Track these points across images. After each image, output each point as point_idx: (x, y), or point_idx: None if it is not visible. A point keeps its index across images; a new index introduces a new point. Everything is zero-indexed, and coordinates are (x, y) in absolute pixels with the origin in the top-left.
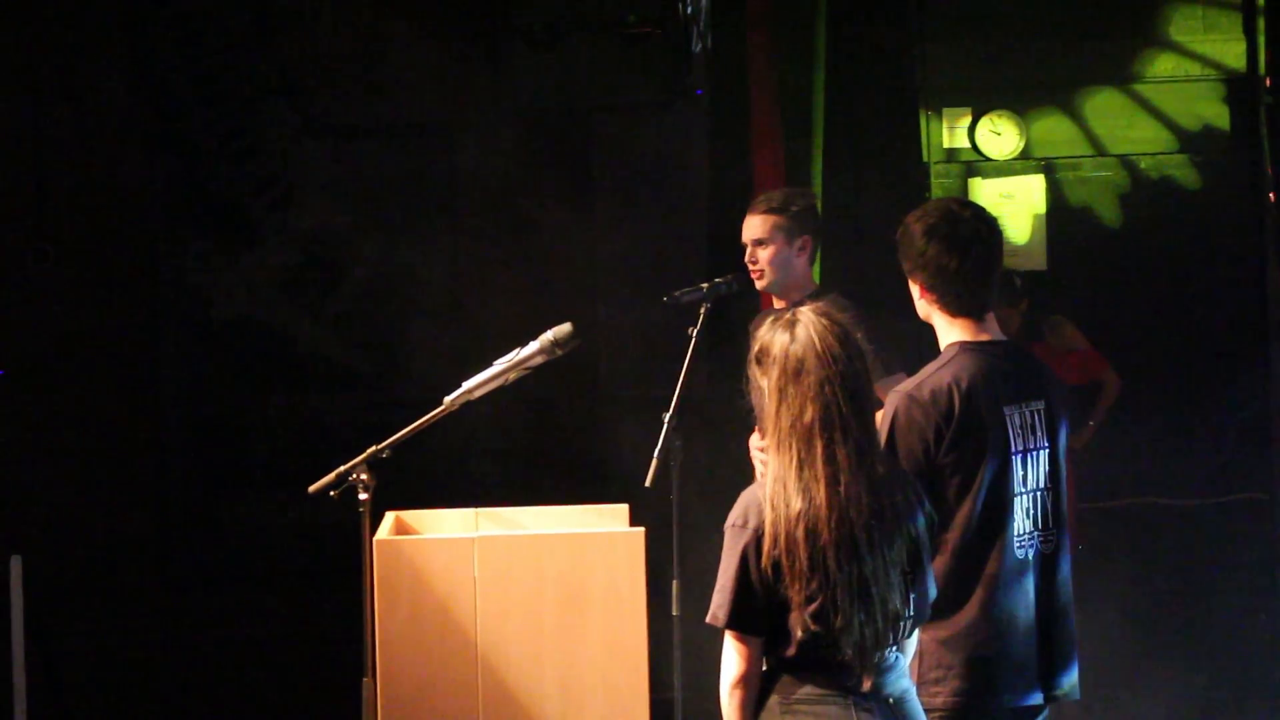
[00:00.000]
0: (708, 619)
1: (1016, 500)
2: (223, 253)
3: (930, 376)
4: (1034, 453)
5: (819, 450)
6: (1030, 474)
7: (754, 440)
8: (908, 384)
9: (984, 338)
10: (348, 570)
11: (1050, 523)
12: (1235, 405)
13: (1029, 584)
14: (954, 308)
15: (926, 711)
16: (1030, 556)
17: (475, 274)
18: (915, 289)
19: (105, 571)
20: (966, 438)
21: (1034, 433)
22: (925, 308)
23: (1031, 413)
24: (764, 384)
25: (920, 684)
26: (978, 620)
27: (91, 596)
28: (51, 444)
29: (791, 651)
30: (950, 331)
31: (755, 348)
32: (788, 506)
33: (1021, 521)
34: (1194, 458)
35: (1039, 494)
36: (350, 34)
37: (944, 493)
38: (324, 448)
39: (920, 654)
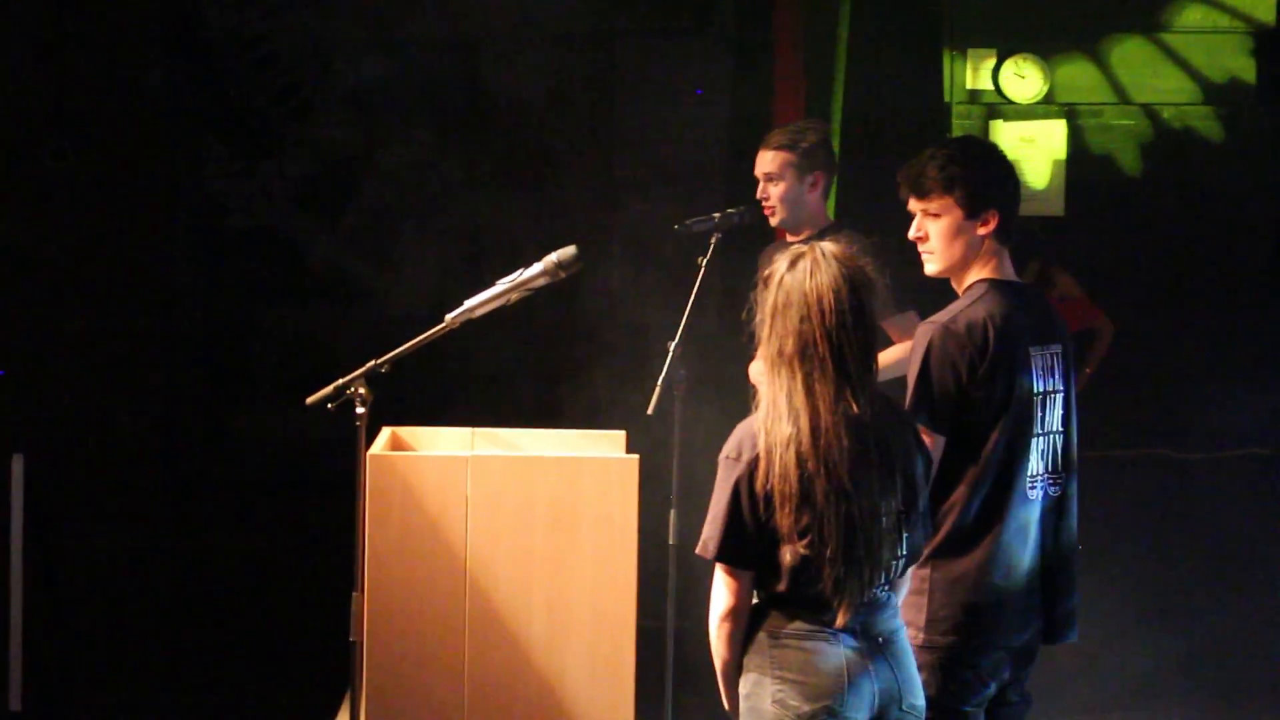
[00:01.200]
0: (697, 550)
1: (1034, 441)
2: (240, 159)
3: (964, 310)
4: (1051, 395)
5: (800, 380)
6: (1047, 416)
7: (754, 366)
8: (940, 316)
9: (1009, 277)
10: (345, 483)
11: (1060, 466)
12: (1249, 359)
13: (1037, 527)
14: (1003, 237)
15: (931, 649)
16: (1040, 499)
17: (488, 193)
18: (983, 221)
19: (106, 473)
20: (998, 373)
21: (1052, 375)
22: (975, 238)
23: (1050, 355)
24: (763, 310)
25: (929, 622)
26: (990, 559)
27: (92, 497)
28: (59, 343)
29: (782, 587)
30: (977, 267)
31: (765, 271)
32: (780, 430)
33: (1036, 462)
34: (1204, 411)
35: (1053, 436)
36: None
37: (971, 427)
38: (330, 360)
39: (930, 591)
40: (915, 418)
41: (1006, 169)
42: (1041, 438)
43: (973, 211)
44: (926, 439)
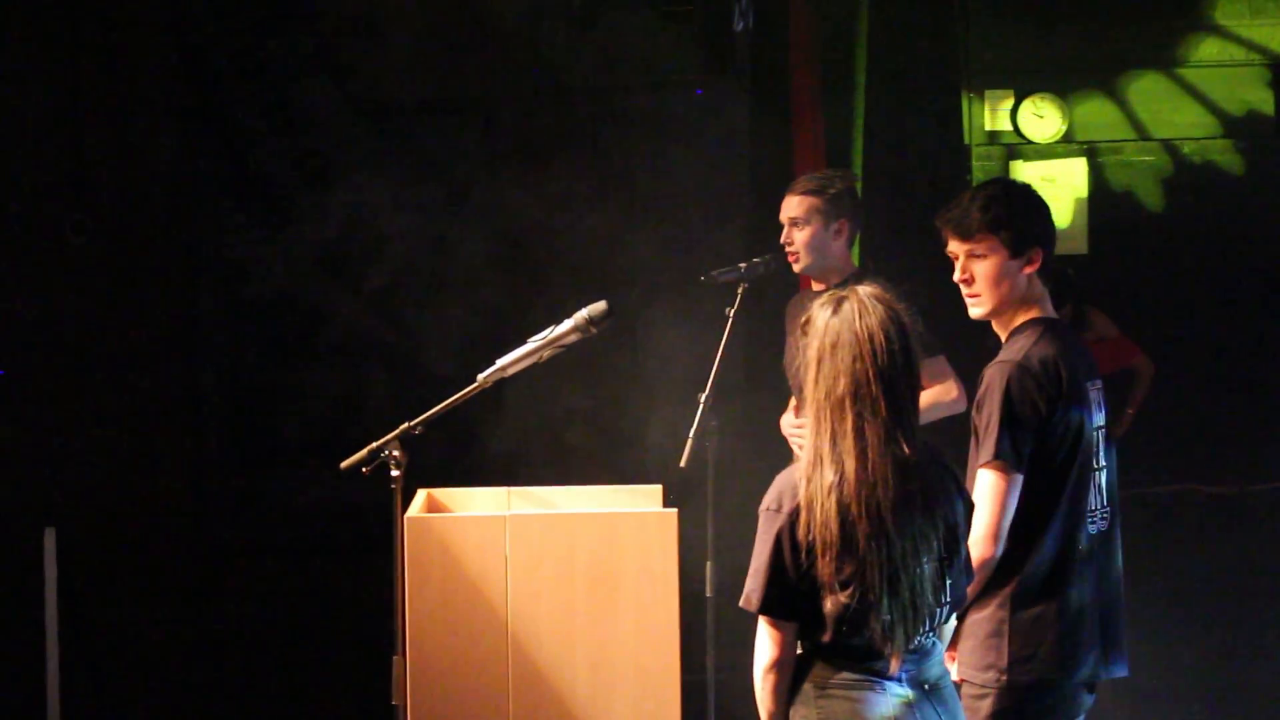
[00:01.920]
0: (741, 603)
1: (1094, 476)
2: (260, 227)
3: (1033, 347)
4: (1101, 430)
5: (850, 423)
6: (1100, 451)
7: (785, 419)
8: (1011, 355)
9: (1051, 315)
10: (379, 547)
11: (1108, 500)
12: (1276, 392)
13: (1094, 560)
14: (1046, 276)
15: (1013, 689)
16: (1095, 533)
17: (512, 251)
18: (1029, 260)
19: (138, 545)
20: (1072, 409)
21: (1101, 410)
22: (1023, 280)
23: (1098, 390)
24: (806, 355)
25: (1012, 663)
26: (1066, 597)
27: (124, 570)
28: (87, 416)
29: (827, 637)
30: (1029, 308)
31: (803, 318)
32: (822, 478)
33: (1094, 498)
34: (1234, 444)
35: (1104, 471)
36: (389, 9)
37: (1050, 464)
38: (358, 424)
39: (1009, 633)
40: (996, 458)
41: (1046, 208)
42: (1097, 473)
43: (1017, 250)
44: (1001, 479)
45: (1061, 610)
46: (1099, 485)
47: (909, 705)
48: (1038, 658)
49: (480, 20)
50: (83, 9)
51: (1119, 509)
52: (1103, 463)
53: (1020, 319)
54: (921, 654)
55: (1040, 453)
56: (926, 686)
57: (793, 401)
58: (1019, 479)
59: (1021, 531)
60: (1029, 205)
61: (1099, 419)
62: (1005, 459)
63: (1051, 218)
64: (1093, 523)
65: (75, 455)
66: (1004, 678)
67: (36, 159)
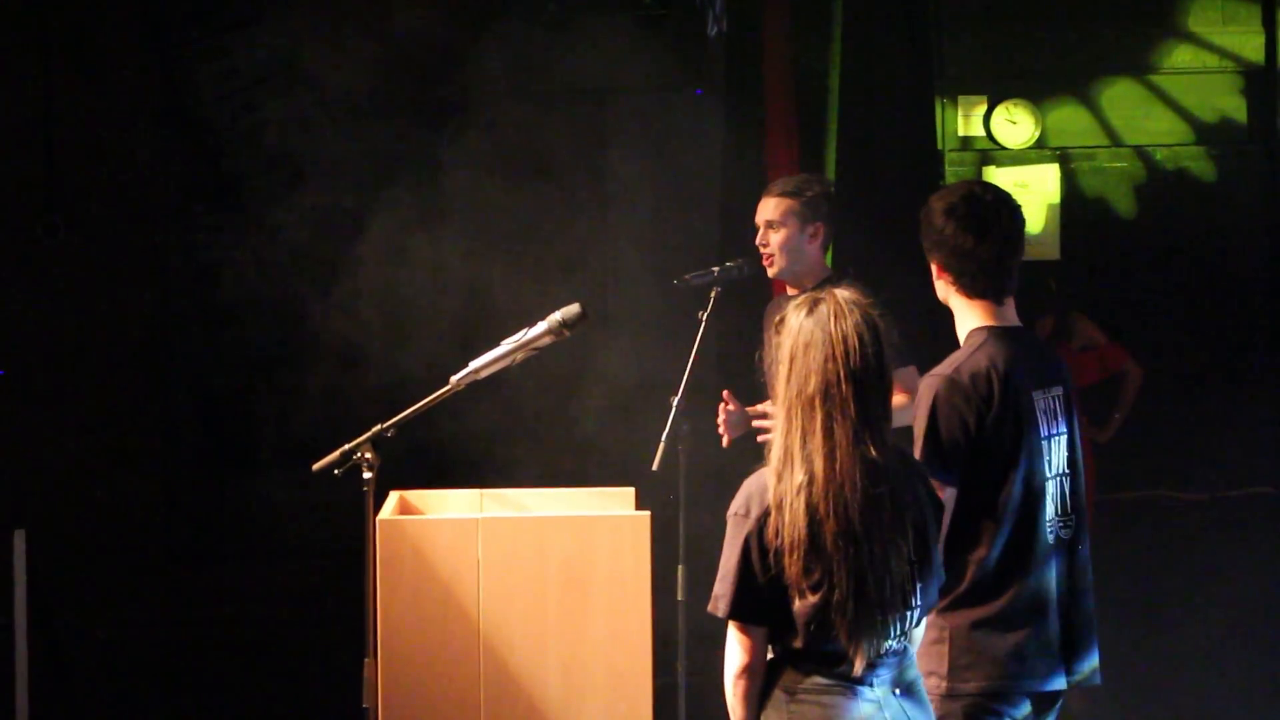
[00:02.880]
0: (709, 608)
1: (1046, 485)
2: (233, 230)
3: (967, 360)
4: (1056, 438)
5: (819, 422)
6: (1055, 459)
7: (756, 410)
8: (943, 368)
9: (1005, 323)
10: (352, 549)
11: (1070, 508)
12: (1248, 398)
13: (1054, 569)
14: (970, 289)
15: (955, 698)
16: (1053, 542)
17: (485, 255)
18: (934, 269)
19: (109, 547)
20: (1005, 421)
21: (1055, 418)
22: (943, 288)
23: (1053, 398)
24: (779, 354)
25: (950, 670)
26: (1012, 605)
27: (95, 572)
28: (58, 419)
29: (797, 642)
30: (969, 315)
31: (778, 318)
32: (791, 477)
33: (1049, 506)
34: (1206, 451)
35: (1060, 479)
36: (362, 12)
37: (984, 477)
38: (330, 426)
39: (950, 639)
40: (926, 471)
41: (949, 222)
42: (1050, 481)
43: (929, 259)
44: (938, 492)
45: (1006, 619)
46: (1056, 494)
47: (880, 709)
48: (978, 666)
49: (454, 23)
50: (54, 10)
51: (1085, 516)
52: (1062, 470)
53: (970, 325)
54: (892, 657)
55: (974, 466)
56: (898, 690)
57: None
58: (951, 492)
59: (962, 542)
60: (926, 220)
61: (1053, 427)
62: (934, 474)
63: (965, 230)
64: (1051, 532)
65: (46, 457)
66: (944, 684)
67: (7, 160)
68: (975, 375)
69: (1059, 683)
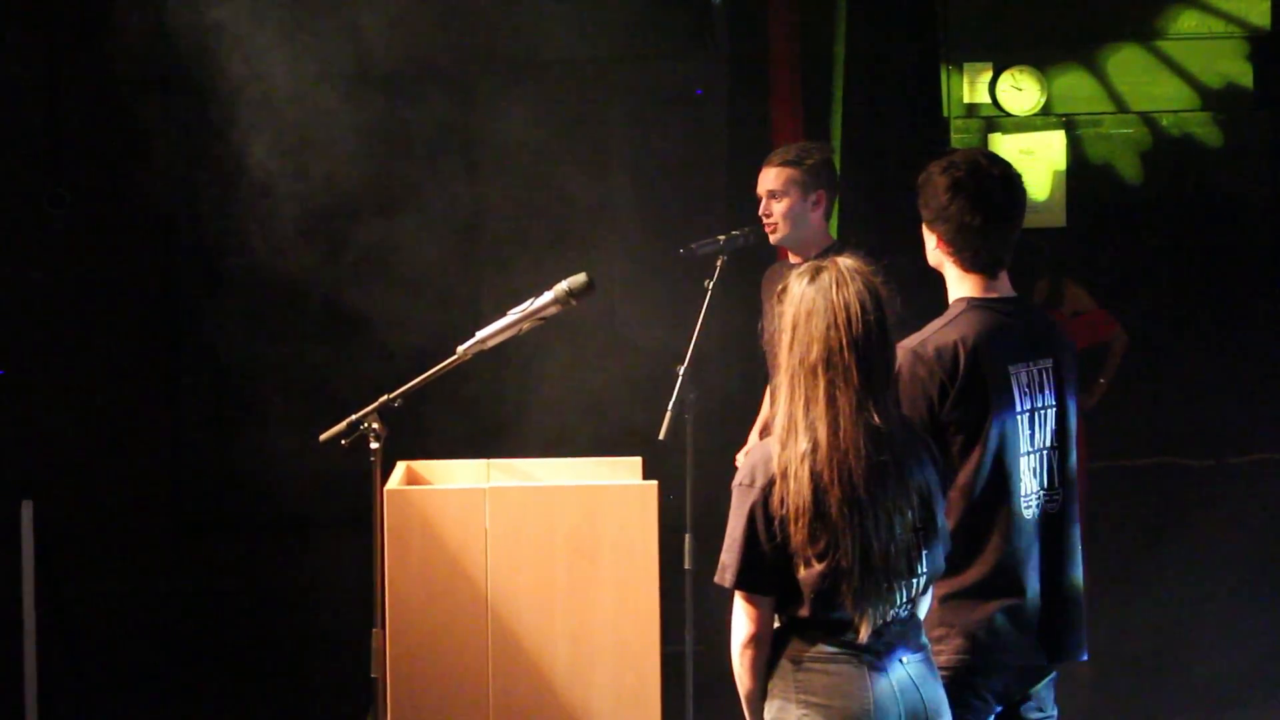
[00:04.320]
0: (715, 579)
1: (1024, 459)
2: (238, 200)
3: (936, 333)
4: (1041, 411)
5: (822, 390)
6: (1037, 433)
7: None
8: (912, 340)
9: (993, 294)
10: (359, 520)
11: (1057, 482)
12: (1254, 364)
13: (1035, 544)
14: (969, 263)
15: None
16: (1036, 516)
17: (493, 223)
18: (932, 238)
19: (116, 517)
20: (971, 395)
21: (1042, 391)
22: (938, 257)
23: (1040, 371)
24: (781, 322)
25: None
26: (983, 579)
27: (102, 542)
28: (64, 390)
29: (803, 611)
30: (960, 285)
31: (780, 287)
32: (795, 446)
33: (1028, 480)
34: (1211, 417)
35: (1045, 453)
36: None
37: (948, 450)
38: (338, 396)
39: (927, 614)
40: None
41: (947, 189)
42: (1033, 455)
43: (928, 227)
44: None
45: (977, 592)
46: (1035, 468)
47: (886, 677)
48: (949, 639)
49: None
50: None
51: (1074, 489)
52: (1048, 444)
53: (955, 293)
54: (898, 626)
55: (939, 438)
56: (904, 659)
57: (753, 436)
58: None
59: None
60: (925, 186)
61: (1037, 400)
62: None
63: (963, 199)
64: (1028, 506)
65: (53, 428)
66: None
67: (12, 133)
68: (941, 349)
69: (1037, 659)
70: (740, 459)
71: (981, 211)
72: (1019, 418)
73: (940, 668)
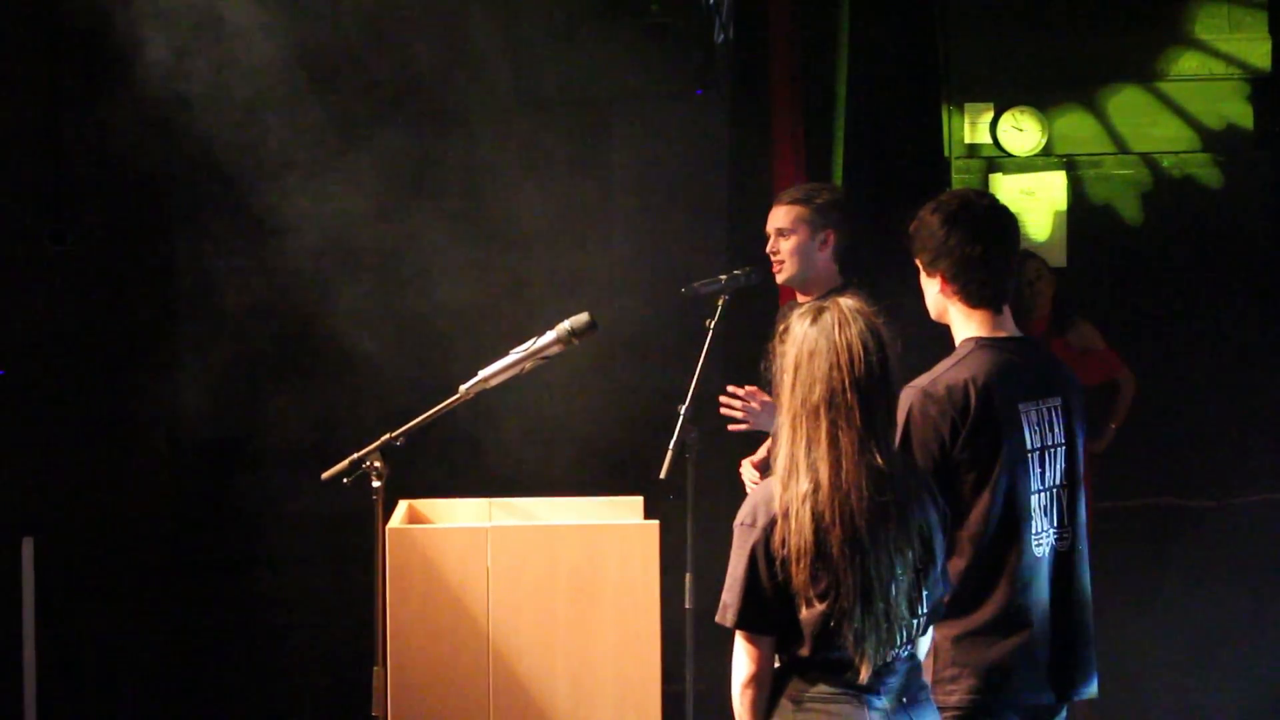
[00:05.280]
0: (717, 618)
1: (1034, 498)
2: (239, 237)
3: (946, 372)
4: (1051, 450)
5: (824, 431)
6: (1047, 471)
7: (746, 463)
8: (923, 379)
9: (1000, 334)
10: (361, 558)
11: (1067, 520)
12: (1254, 405)
13: (1045, 582)
14: (975, 299)
15: (941, 710)
16: (1047, 554)
17: (494, 263)
18: (934, 282)
19: (117, 555)
20: (982, 435)
21: (1051, 430)
22: (942, 302)
23: (1049, 409)
24: (784, 362)
25: (935, 682)
26: (994, 618)
27: (103, 580)
28: (66, 427)
29: (804, 651)
30: (967, 325)
31: (782, 327)
32: (797, 486)
33: (1039, 519)
34: (1212, 458)
35: (1055, 491)
36: (369, 21)
37: (960, 490)
38: (340, 435)
39: (934, 652)
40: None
41: (943, 225)
42: (1043, 493)
43: (928, 271)
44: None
45: (989, 631)
46: (1046, 506)
47: (887, 717)
48: (961, 679)
49: (460, 30)
50: (61, 17)
51: (1083, 527)
52: (1058, 482)
53: (962, 334)
54: (898, 666)
55: (949, 480)
56: (905, 699)
57: (763, 449)
58: None
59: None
60: (924, 224)
61: (1048, 438)
62: None
63: (966, 236)
64: (1040, 545)
65: (54, 464)
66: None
67: (14, 167)
68: (952, 388)
69: (1047, 698)
70: (745, 466)
71: (982, 240)
72: (1029, 456)
73: (952, 707)
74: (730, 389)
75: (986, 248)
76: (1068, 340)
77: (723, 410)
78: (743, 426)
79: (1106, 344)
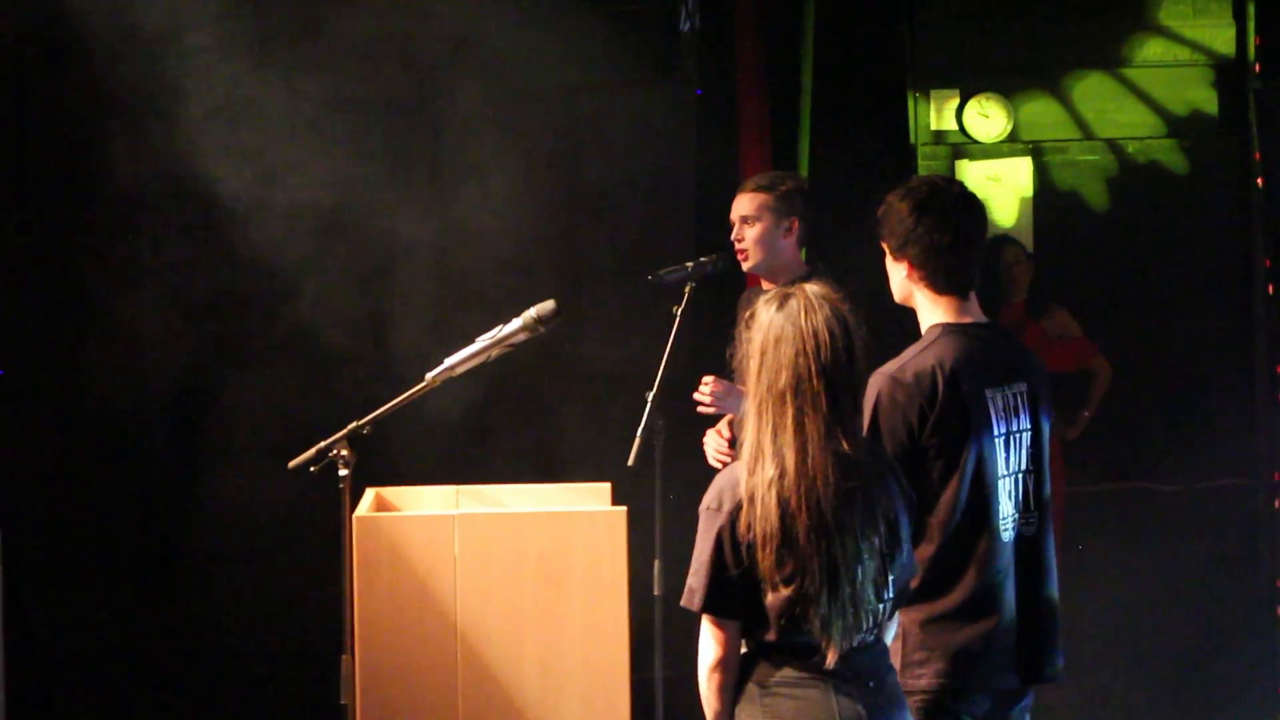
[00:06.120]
0: (683, 602)
1: (1001, 482)
2: (204, 226)
3: (913, 359)
4: (1016, 435)
5: (790, 417)
6: (1012, 456)
7: (711, 432)
8: (890, 366)
9: (966, 319)
10: (328, 546)
11: (1032, 505)
12: (1220, 390)
13: (1011, 567)
14: (941, 285)
15: (909, 694)
16: (1012, 539)
17: (459, 250)
18: (901, 268)
19: (85, 545)
20: (949, 420)
21: (1016, 415)
22: (908, 287)
23: (1014, 395)
24: (749, 348)
25: (903, 666)
26: (962, 603)
27: (70, 572)
28: (31, 418)
29: (770, 635)
30: (933, 312)
31: (748, 313)
32: (763, 472)
33: (1004, 504)
34: (1179, 443)
35: (1020, 476)
36: (334, 8)
37: (928, 475)
38: (306, 423)
39: (903, 636)
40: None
41: (911, 212)
42: (1008, 479)
43: (895, 256)
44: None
45: (957, 615)
46: (1011, 491)
47: (853, 701)
48: (930, 662)
49: (422, 18)
50: (28, 9)
51: (1049, 512)
52: (1023, 467)
53: (929, 320)
54: (865, 650)
55: (918, 464)
56: (871, 684)
57: (724, 421)
58: None
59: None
60: (892, 211)
61: (1013, 424)
62: None
63: (934, 224)
64: (1006, 529)
65: (20, 456)
66: (899, 681)
67: None
68: (920, 374)
69: (1013, 681)
70: (709, 438)
71: (949, 229)
72: (996, 441)
73: (921, 691)
74: (701, 383)
75: (954, 236)
76: (1043, 326)
77: (696, 397)
78: (711, 410)
79: (1081, 333)
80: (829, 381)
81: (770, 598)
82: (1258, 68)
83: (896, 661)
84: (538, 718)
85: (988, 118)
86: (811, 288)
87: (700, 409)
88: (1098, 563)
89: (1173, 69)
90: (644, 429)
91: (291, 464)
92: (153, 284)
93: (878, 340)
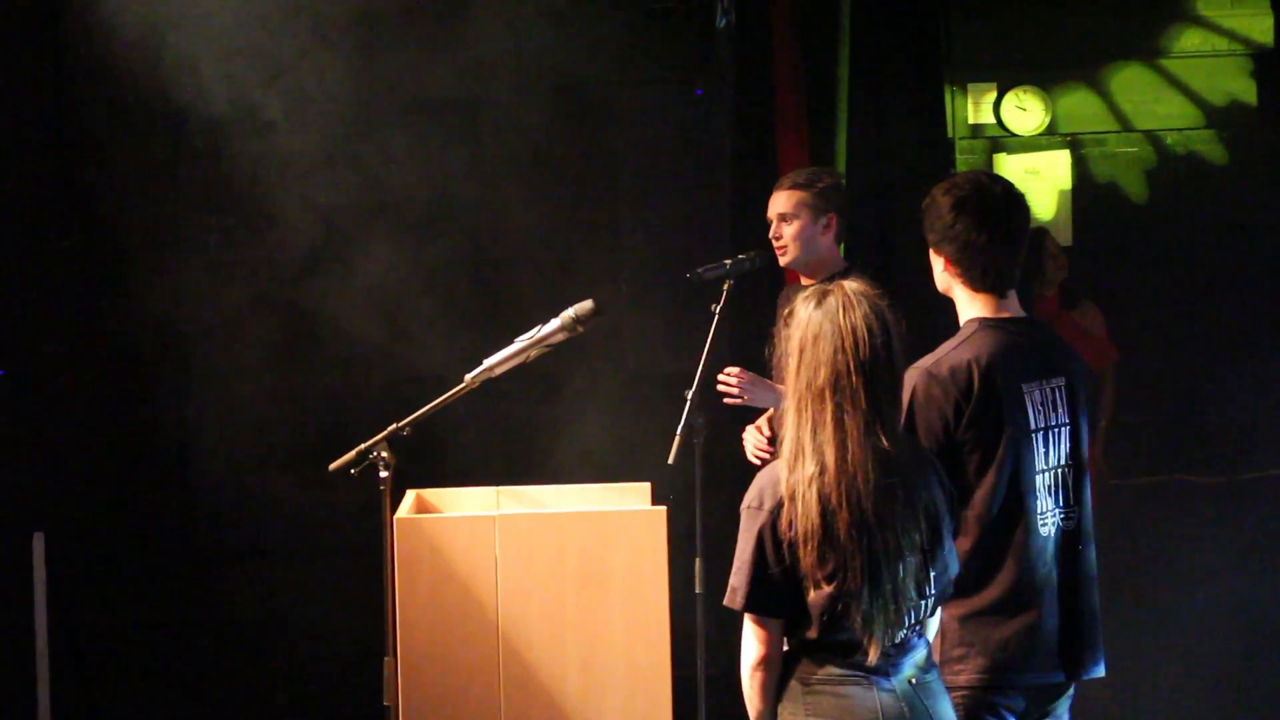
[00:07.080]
0: (725, 601)
1: (1039, 477)
2: (244, 229)
3: (949, 353)
4: (1055, 430)
5: (829, 414)
6: (1051, 451)
7: (750, 428)
8: (926, 361)
9: (1004, 314)
10: (369, 548)
11: (1072, 499)
12: (1260, 381)
13: (1051, 561)
14: (978, 283)
15: (949, 690)
16: (1052, 534)
17: (497, 252)
18: (939, 261)
19: (128, 549)
20: (985, 415)
21: (1055, 410)
22: (947, 280)
23: (1052, 389)
24: (789, 346)
25: (943, 662)
26: (1001, 598)
27: (114, 574)
28: (74, 422)
29: (812, 633)
30: (971, 307)
31: (787, 310)
32: (803, 469)
33: (1043, 499)
34: (1221, 434)
35: (1060, 471)
36: (365, 10)
37: (964, 470)
38: (346, 425)
39: (942, 632)
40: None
41: (951, 209)
42: (1047, 473)
43: (935, 250)
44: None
45: (996, 611)
46: (1050, 486)
47: (897, 699)
48: (969, 658)
49: (461, 17)
50: (66, 14)
51: (1088, 506)
52: (1063, 461)
53: (966, 315)
54: (907, 647)
55: (954, 459)
56: (913, 681)
57: (763, 418)
58: None
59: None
60: (930, 208)
61: (1051, 419)
62: None
63: (972, 220)
64: (1044, 525)
65: (64, 459)
66: None
67: (20, 162)
68: (955, 369)
69: (1056, 676)
70: (748, 434)
71: (987, 229)
72: (1033, 436)
73: (960, 687)
74: (723, 374)
75: (991, 236)
76: (1073, 318)
77: (719, 388)
78: (738, 401)
79: (1104, 334)
80: (868, 378)
81: (812, 595)
82: None
83: (936, 658)
84: (580, 717)
85: (1025, 110)
86: (850, 284)
87: (727, 400)
88: (1140, 557)
89: (1211, 59)
90: (684, 427)
91: (332, 466)
92: (193, 288)
93: (916, 335)
